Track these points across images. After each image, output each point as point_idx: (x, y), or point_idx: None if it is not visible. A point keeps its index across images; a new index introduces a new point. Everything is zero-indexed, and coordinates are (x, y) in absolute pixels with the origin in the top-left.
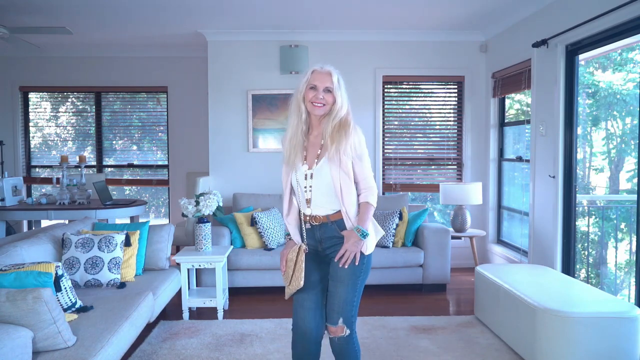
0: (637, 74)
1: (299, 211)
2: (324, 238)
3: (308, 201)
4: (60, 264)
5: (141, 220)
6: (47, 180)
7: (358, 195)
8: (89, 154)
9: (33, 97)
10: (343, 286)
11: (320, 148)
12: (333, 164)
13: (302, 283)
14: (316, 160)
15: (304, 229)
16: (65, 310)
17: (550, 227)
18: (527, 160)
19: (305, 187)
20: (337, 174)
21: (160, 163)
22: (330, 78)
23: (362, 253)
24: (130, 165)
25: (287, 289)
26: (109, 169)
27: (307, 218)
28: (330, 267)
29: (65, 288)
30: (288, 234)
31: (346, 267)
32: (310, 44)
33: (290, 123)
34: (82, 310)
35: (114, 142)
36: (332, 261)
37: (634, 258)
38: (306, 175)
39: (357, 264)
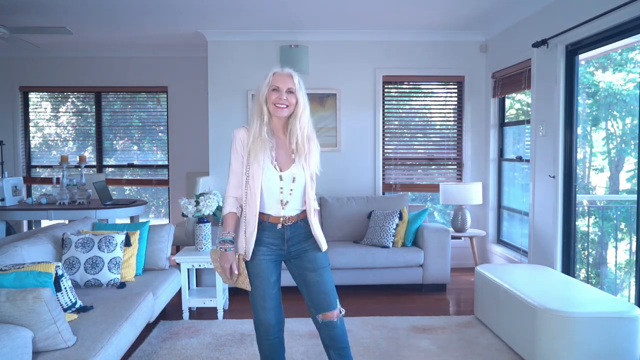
0: (637, 74)
1: (244, 214)
2: (292, 236)
3: (282, 202)
4: (60, 264)
5: (141, 220)
6: (47, 180)
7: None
8: (89, 154)
9: (33, 97)
10: (327, 272)
11: (292, 153)
12: (306, 169)
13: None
14: (293, 165)
15: (256, 230)
16: (65, 310)
17: (550, 227)
18: (527, 160)
19: (281, 189)
20: (308, 178)
21: (160, 163)
22: (291, 79)
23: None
24: (131, 165)
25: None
26: (109, 169)
27: (281, 219)
28: (302, 262)
29: (65, 288)
30: (227, 241)
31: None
32: (310, 44)
33: (251, 125)
34: (82, 310)
35: (114, 142)
36: (306, 255)
37: (634, 258)
38: (281, 177)
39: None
